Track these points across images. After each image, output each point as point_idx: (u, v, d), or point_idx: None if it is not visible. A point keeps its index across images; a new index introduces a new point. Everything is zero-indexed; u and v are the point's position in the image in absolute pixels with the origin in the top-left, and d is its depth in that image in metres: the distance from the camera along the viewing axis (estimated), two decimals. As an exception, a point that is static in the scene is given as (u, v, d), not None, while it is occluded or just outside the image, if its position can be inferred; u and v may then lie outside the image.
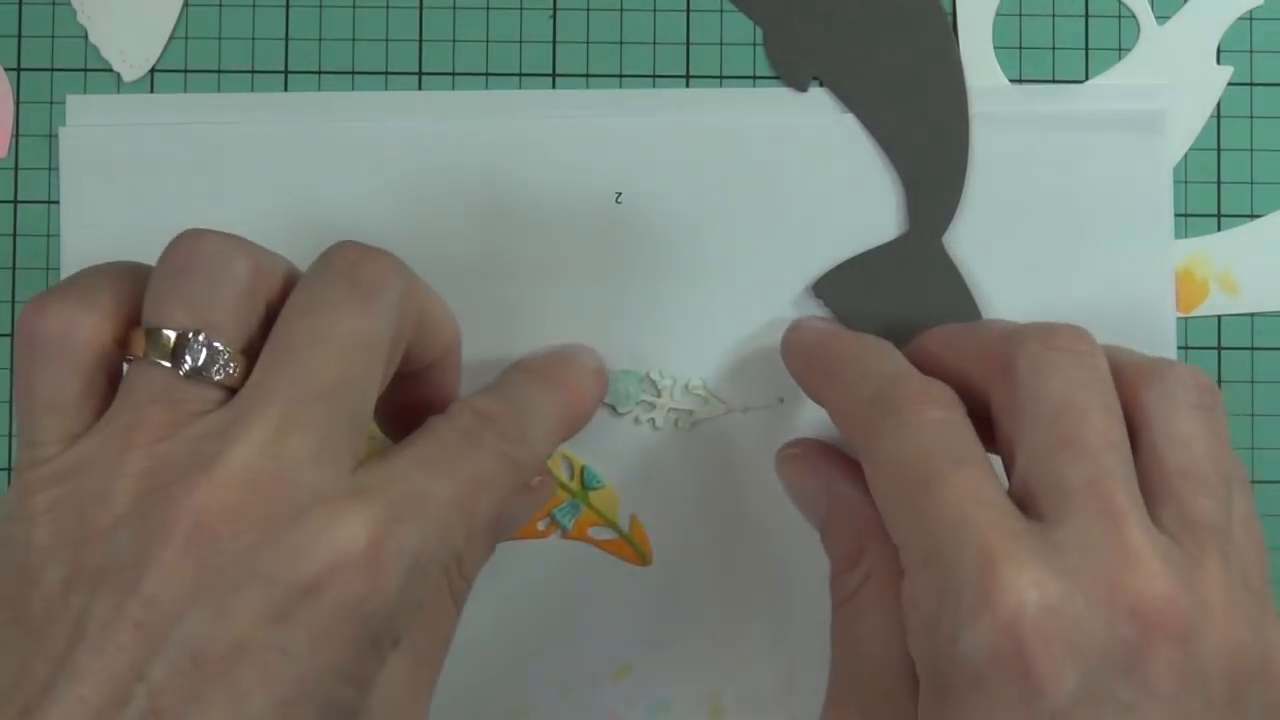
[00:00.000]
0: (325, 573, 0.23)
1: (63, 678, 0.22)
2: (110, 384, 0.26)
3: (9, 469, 0.37)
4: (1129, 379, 0.28)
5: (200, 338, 0.25)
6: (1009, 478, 0.28)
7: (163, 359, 0.25)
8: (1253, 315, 0.37)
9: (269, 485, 0.23)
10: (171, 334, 0.25)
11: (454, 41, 0.37)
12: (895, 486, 0.27)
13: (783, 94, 0.37)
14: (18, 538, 0.24)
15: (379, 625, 0.24)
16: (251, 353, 0.26)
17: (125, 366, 0.26)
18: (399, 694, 0.26)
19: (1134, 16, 0.37)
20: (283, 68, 0.37)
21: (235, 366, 0.25)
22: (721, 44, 0.37)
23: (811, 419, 0.36)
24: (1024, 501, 0.26)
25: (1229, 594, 0.26)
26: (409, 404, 0.30)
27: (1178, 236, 0.37)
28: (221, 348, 0.25)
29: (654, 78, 0.37)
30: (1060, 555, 0.25)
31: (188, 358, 0.25)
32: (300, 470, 0.24)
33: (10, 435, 0.37)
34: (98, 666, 0.22)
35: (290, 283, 0.27)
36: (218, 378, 0.25)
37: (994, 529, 0.25)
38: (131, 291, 0.26)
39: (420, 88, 0.37)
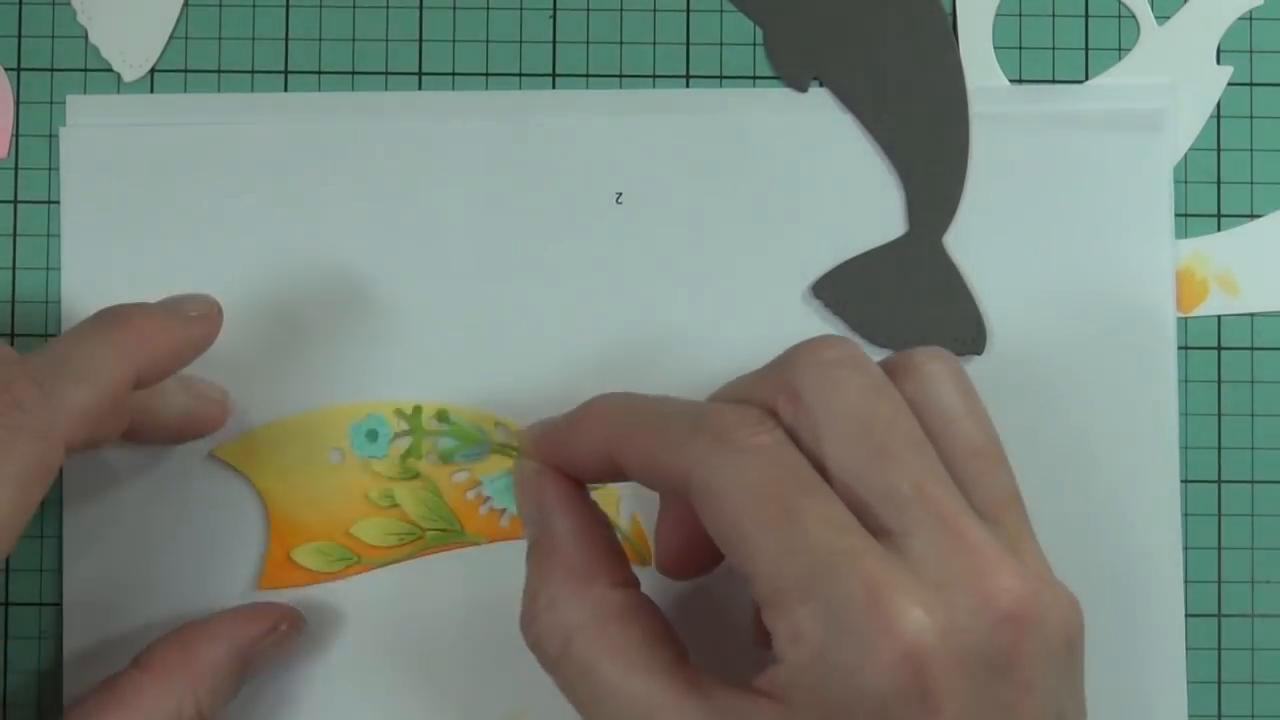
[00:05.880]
0: None
1: None
2: None
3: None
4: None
5: None
6: None
7: None
8: (1253, 315, 0.37)
9: None
10: None
11: (454, 41, 0.37)
12: (751, 519, 0.26)
13: (783, 94, 0.37)
14: None
15: None
16: None
17: None
18: None
19: (1134, 16, 0.37)
20: (283, 68, 0.37)
21: None
22: (721, 44, 0.37)
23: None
24: (860, 519, 0.26)
25: (1040, 558, 0.27)
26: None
27: (1178, 236, 0.37)
28: None
29: (654, 78, 0.37)
30: (925, 570, 0.25)
31: None
32: None
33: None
34: None
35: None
36: None
37: (867, 557, 0.25)
38: None
39: (420, 88, 0.37)
